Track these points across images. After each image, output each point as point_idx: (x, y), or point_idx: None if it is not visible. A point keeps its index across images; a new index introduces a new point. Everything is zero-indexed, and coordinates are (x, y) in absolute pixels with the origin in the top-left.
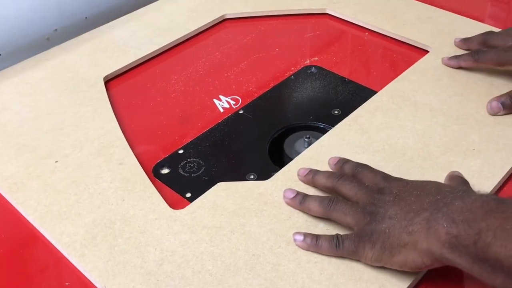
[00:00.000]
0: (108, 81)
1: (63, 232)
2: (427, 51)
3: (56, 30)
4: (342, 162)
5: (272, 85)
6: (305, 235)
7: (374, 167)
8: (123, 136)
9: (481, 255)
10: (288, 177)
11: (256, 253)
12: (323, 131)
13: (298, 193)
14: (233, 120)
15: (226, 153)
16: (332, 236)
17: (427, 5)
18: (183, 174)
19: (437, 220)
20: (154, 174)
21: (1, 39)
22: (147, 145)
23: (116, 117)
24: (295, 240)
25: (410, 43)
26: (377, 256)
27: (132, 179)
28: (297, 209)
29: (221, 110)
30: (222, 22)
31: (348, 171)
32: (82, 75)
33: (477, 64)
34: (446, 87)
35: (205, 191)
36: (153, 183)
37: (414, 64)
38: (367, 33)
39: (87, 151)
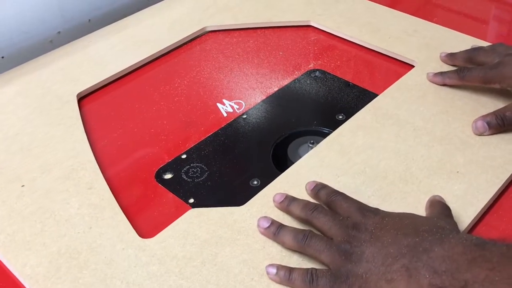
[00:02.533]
0: (84, 98)
1: (26, 263)
2: (412, 66)
3: (59, 32)
4: (318, 188)
5: (276, 89)
6: (278, 268)
7: (353, 192)
8: (94, 159)
9: None
10: (264, 203)
11: (227, 286)
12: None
13: (273, 222)
14: (236, 124)
15: (230, 158)
16: (307, 270)
17: (413, 17)
18: (186, 179)
19: (417, 270)
20: (157, 179)
21: (4, 42)
22: (150, 149)
23: (88, 137)
24: (268, 273)
25: (395, 57)
26: None
27: (100, 205)
28: (271, 240)
29: (225, 115)
30: (204, 34)
31: (323, 198)
32: (55, 92)
33: (463, 82)
34: (431, 105)
35: (208, 197)
36: (155, 188)
37: (399, 80)
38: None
39: (56, 175)
